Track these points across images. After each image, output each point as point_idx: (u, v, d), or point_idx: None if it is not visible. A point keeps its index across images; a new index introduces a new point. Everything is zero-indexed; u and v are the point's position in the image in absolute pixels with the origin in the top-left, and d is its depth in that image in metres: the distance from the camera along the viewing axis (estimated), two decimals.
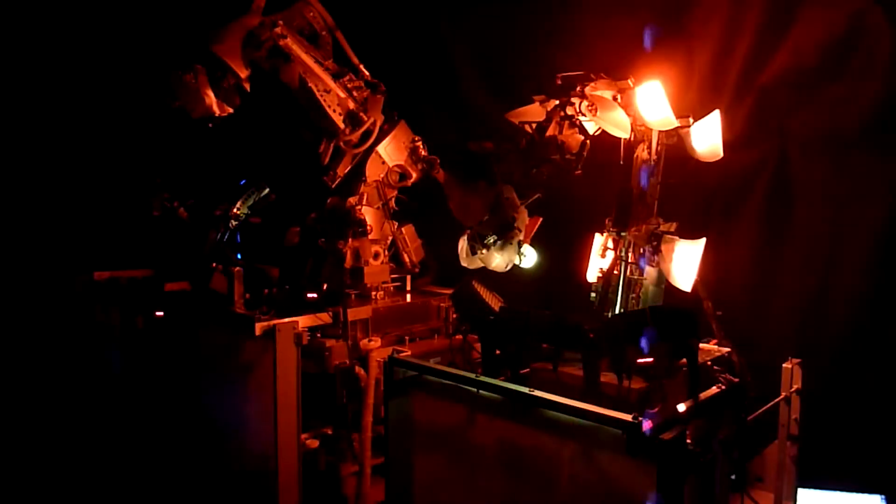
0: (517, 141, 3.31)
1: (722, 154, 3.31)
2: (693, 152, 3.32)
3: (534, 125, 3.29)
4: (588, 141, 3.19)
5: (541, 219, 3.65)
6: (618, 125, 3.20)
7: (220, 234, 4.63)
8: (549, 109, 3.33)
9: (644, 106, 3.16)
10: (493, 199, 3.41)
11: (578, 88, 3.24)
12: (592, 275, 3.44)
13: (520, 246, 3.49)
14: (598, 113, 3.20)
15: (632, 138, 3.30)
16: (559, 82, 3.27)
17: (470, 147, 3.41)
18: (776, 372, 3.10)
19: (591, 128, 3.50)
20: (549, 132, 3.21)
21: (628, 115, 3.25)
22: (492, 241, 3.44)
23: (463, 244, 3.62)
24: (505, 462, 2.83)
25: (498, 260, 3.52)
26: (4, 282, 5.31)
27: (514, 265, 3.62)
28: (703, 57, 4.29)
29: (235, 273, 4.00)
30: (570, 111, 3.25)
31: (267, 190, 4.70)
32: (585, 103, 3.22)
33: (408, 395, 3.22)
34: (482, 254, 3.49)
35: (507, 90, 5.13)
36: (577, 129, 3.23)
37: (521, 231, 3.49)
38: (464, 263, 3.66)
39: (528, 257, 3.61)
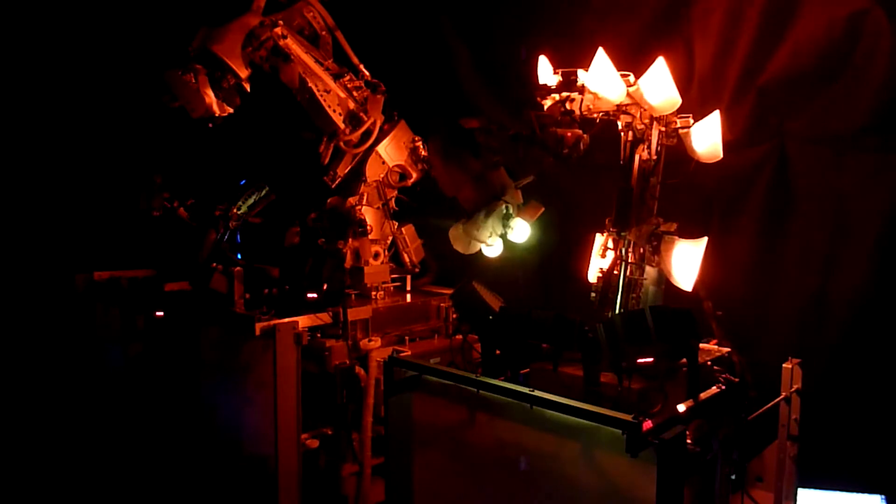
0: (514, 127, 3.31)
1: (721, 155, 3.31)
2: (693, 153, 3.32)
3: (535, 116, 3.29)
4: (586, 136, 3.19)
5: (543, 208, 3.64)
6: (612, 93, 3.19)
7: (220, 234, 4.63)
8: (549, 104, 3.32)
9: (649, 88, 3.15)
10: (478, 172, 3.43)
11: (579, 84, 3.24)
12: (593, 275, 3.45)
13: (508, 218, 3.49)
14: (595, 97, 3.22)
15: (631, 137, 3.30)
16: (560, 78, 3.28)
17: (460, 123, 3.42)
18: (776, 372, 3.10)
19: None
20: (550, 126, 3.21)
21: (631, 111, 3.25)
22: (478, 213, 3.46)
23: (455, 231, 3.64)
24: (505, 462, 2.83)
25: (485, 232, 3.52)
26: (4, 281, 5.31)
27: (515, 256, 3.62)
28: (703, 56, 4.29)
29: (235, 273, 4.00)
30: (569, 106, 3.25)
31: (266, 189, 4.70)
32: (585, 100, 3.22)
33: (408, 395, 3.22)
34: (469, 227, 3.49)
35: (506, 87, 5.16)
36: (577, 125, 3.23)
37: (510, 205, 3.49)
38: (456, 247, 3.67)
39: (518, 230, 3.59)
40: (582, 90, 3.25)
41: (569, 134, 3.14)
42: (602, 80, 3.16)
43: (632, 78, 3.24)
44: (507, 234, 3.59)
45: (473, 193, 3.47)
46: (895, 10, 3.65)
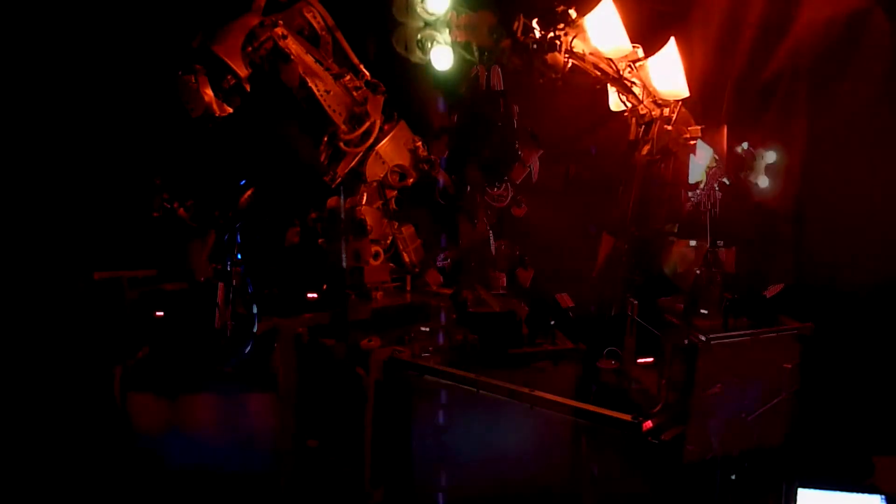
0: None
1: (728, 182, 3.32)
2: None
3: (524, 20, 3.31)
4: (568, 60, 3.17)
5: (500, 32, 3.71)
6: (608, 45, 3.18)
7: (220, 234, 4.62)
8: (541, 34, 3.30)
9: (657, 70, 3.13)
10: None
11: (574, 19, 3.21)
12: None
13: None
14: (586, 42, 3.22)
15: (633, 135, 3.30)
16: (559, 9, 3.25)
17: None
18: (776, 373, 3.09)
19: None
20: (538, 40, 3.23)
21: (635, 92, 3.24)
22: None
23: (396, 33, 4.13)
24: (505, 461, 2.83)
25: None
26: (5, 282, 5.31)
27: None
28: (703, 56, 4.29)
29: (234, 273, 3.99)
30: (561, 38, 3.23)
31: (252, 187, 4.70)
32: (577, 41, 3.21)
33: (408, 395, 3.22)
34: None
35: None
36: (563, 49, 3.21)
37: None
38: (399, 50, 4.16)
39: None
40: (574, 24, 3.21)
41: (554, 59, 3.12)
42: (601, 27, 3.11)
43: (640, 52, 3.21)
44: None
45: None
46: (895, 10, 3.66)
